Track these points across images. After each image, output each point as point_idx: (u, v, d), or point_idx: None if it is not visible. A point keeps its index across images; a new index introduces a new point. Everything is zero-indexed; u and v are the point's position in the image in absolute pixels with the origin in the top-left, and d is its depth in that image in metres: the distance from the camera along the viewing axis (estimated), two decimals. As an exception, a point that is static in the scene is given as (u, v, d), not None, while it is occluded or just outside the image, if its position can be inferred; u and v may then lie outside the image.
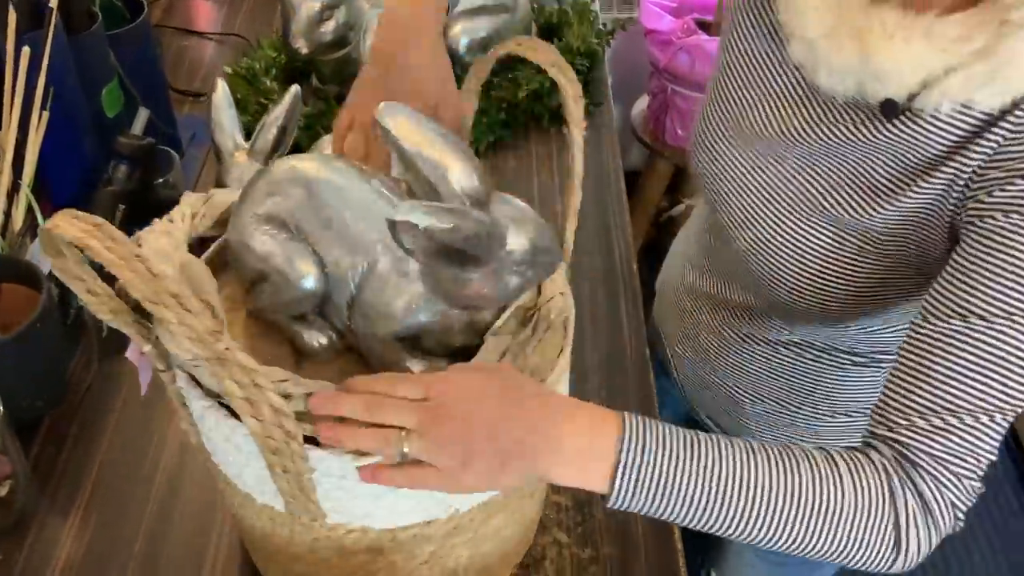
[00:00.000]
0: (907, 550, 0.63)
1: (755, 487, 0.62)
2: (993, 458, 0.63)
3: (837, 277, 0.79)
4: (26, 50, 0.88)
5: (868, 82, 0.68)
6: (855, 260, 0.77)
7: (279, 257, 0.67)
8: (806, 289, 0.81)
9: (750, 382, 0.98)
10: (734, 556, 1.23)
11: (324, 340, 0.70)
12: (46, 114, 0.95)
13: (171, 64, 1.48)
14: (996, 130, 0.64)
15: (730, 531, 0.63)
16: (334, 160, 0.71)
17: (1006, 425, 0.63)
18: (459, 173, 0.61)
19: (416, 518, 0.68)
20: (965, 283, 0.63)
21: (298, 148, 1.05)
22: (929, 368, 0.63)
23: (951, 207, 0.69)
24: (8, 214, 0.96)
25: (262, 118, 1.03)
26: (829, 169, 0.77)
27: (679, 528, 0.89)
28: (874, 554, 0.63)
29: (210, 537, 0.88)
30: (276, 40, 1.44)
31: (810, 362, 0.93)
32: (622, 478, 0.61)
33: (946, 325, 0.63)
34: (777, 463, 0.63)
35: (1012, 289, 0.61)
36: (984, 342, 0.61)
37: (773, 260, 0.82)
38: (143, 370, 0.71)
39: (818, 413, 0.96)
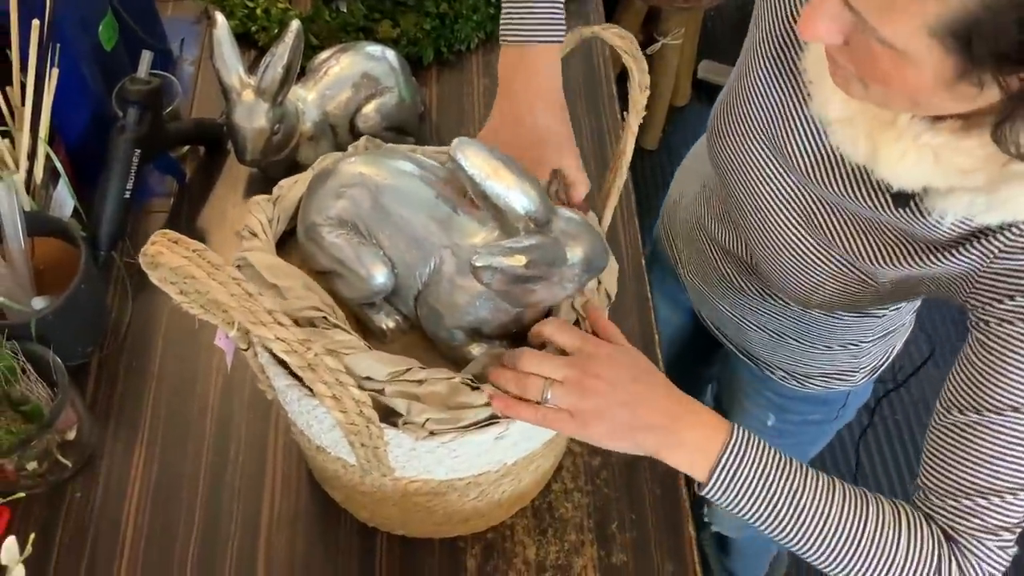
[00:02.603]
0: None
1: (826, 520, 0.73)
2: None
3: (839, 293, 0.87)
4: (36, 23, 0.89)
5: (876, 172, 0.73)
6: (862, 286, 0.84)
7: (351, 258, 0.76)
8: (803, 293, 0.90)
9: (750, 316, 1.07)
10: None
11: (392, 324, 0.79)
12: (56, 71, 0.96)
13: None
14: (994, 240, 0.71)
15: (792, 545, 0.75)
16: (397, 162, 0.77)
17: None
18: (523, 198, 0.69)
19: (472, 472, 0.78)
20: (979, 380, 0.71)
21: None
22: (957, 455, 0.73)
23: (956, 288, 0.75)
24: (30, 171, 0.99)
25: (265, 56, 1.04)
26: (844, 215, 0.82)
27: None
28: None
29: (267, 455, 0.98)
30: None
31: (807, 314, 1.01)
32: (719, 475, 0.73)
33: (966, 417, 0.72)
34: (851, 504, 0.73)
35: (1020, 387, 0.69)
36: (1000, 432, 0.71)
37: (775, 266, 0.90)
38: (228, 351, 0.79)
39: (809, 346, 1.06)
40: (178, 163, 1.17)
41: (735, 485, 0.73)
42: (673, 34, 2.40)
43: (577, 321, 0.78)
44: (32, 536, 0.83)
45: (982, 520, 0.72)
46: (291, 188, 0.82)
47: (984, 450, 0.71)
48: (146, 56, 1.03)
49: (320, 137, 1.13)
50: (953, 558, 0.73)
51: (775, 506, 0.73)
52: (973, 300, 0.73)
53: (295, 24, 1.03)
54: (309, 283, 0.76)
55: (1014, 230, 0.69)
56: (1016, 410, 0.70)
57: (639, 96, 0.79)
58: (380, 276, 0.75)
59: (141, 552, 0.91)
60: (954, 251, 0.73)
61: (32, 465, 0.91)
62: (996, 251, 0.71)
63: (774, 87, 0.83)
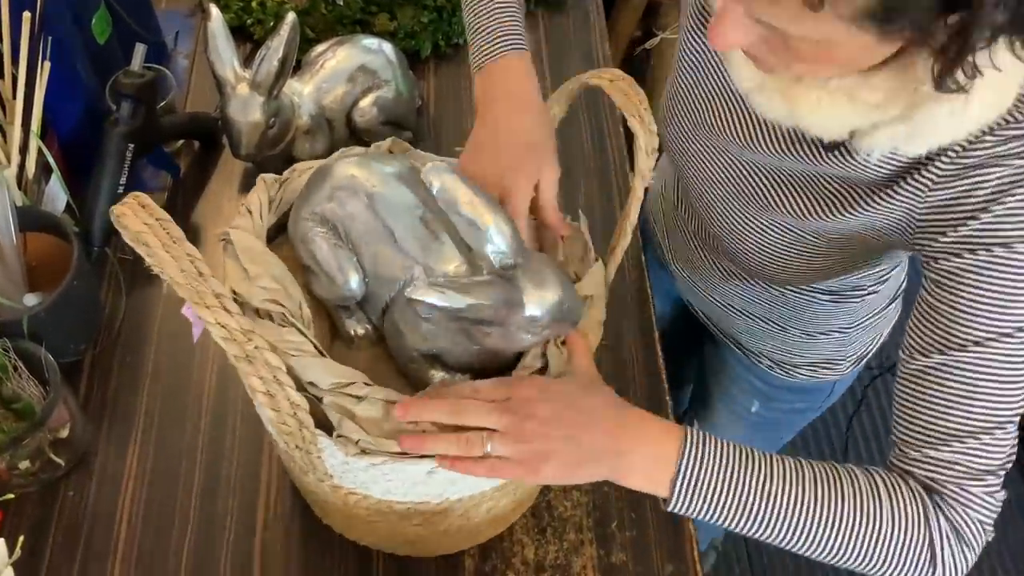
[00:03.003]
0: (943, 570, 0.70)
1: (802, 504, 0.69)
2: (1010, 463, 0.70)
3: (796, 262, 0.86)
4: (27, 15, 0.87)
5: (801, 127, 0.72)
6: (814, 250, 0.84)
7: (326, 259, 0.74)
8: (766, 267, 0.89)
9: (736, 302, 1.06)
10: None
11: (361, 331, 0.78)
12: (47, 64, 0.95)
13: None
14: (926, 172, 0.69)
15: (778, 540, 0.71)
16: (393, 169, 0.75)
17: (1014, 430, 0.69)
18: (496, 236, 0.67)
19: (409, 499, 0.76)
20: (937, 320, 0.69)
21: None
22: (925, 401, 0.70)
23: (900, 232, 0.74)
24: (22, 165, 0.98)
25: (260, 49, 1.02)
26: (782, 176, 0.81)
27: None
28: (911, 571, 0.70)
29: (262, 452, 0.96)
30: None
31: (788, 296, 1.00)
32: (681, 487, 0.69)
33: (929, 360, 0.70)
34: (823, 482, 0.70)
35: (978, 320, 0.67)
36: (967, 369, 0.68)
37: (735, 241, 0.89)
38: (196, 325, 0.78)
39: (795, 334, 1.05)
40: (172, 157, 1.16)
41: (700, 491, 0.69)
42: (672, 28, 2.38)
43: (544, 368, 0.74)
44: (21, 539, 0.82)
45: (963, 466, 0.69)
46: (303, 173, 0.81)
47: (953, 390, 0.68)
48: (140, 49, 1.02)
49: (316, 131, 1.11)
50: (939, 512, 0.70)
51: (747, 503, 0.69)
52: (918, 243, 0.72)
53: (291, 16, 1.01)
54: (280, 275, 0.74)
55: (943, 159, 0.68)
56: (979, 344, 0.67)
57: (645, 161, 0.75)
58: (351, 281, 0.74)
59: (135, 551, 0.90)
60: (890, 190, 0.72)
61: (24, 464, 0.90)
62: (929, 184, 0.69)
63: (702, 67, 0.84)
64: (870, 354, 1.13)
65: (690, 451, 0.69)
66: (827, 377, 1.12)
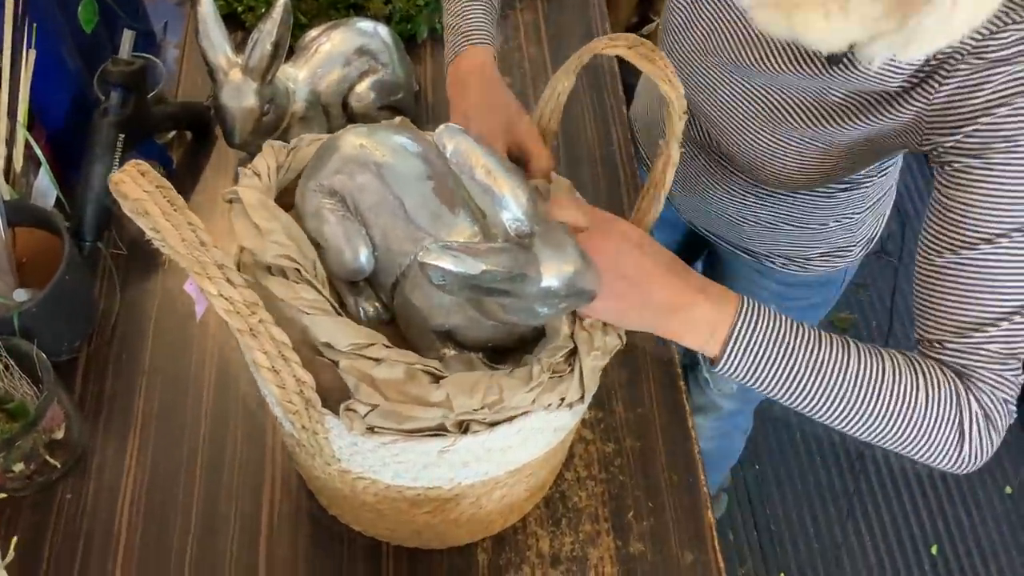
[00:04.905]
0: (970, 450, 0.74)
1: (843, 375, 0.72)
2: None
3: (809, 168, 0.88)
4: (9, 1, 0.84)
5: (800, 41, 0.70)
6: (825, 157, 0.87)
7: (335, 233, 0.71)
8: (780, 176, 0.91)
9: (746, 212, 1.07)
10: None
11: (371, 310, 0.74)
12: (33, 52, 0.91)
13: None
14: (932, 78, 0.73)
15: (818, 410, 0.73)
16: (402, 139, 0.72)
17: None
18: (508, 202, 0.62)
19: (420, 483, 0.73)
20: (947, 221, 0.73)
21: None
22: (945, 296, 0.74)
23: (909, 135, 0.77)
24: (9, 158, 0.95)
25: (252, 33, 0.99)
26: (788, 92, 0.84)
27: (691, 418, 0.98)
28: (939, 450, 0.74)
29: (265, 449, 0.93)
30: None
31: (798, 197, 1.03)
32: (733, 346, 0.71)
33: (943, 259, 0.74)
34: (866, 358, 0.72)
35: (986, 218, 0.71)
36: (979, 266, 0.72)
37: (744, 155, 0.92)
38: (199, 302, 0.74)
39: (807, 228, 1.07)
40: (165, 149, 1.12)
41: (751, 354, 0.71)
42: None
43: (574, 351, 0.70)
44: (14, 540, 0.78)
45: (988, 351, 0.73)
46: (312, 143, 0.78)
47: (969, 285, 0.72)
48: (128, 35, 0.98)
49: (312, 117, 1.08)
50: (970, 394, 0.73)
51: (794, 369, 0.71)
52: (927, 144, 0.75)
53: (283, -1, 0.98)
54: (294, 233, 0.70)
55: (946, 67, 0.71)
56: (988, 241, 0.71)
57: (678, 124, 0.72)
58: (360, 255, 0.71)
59: (136, 554, 0.87)
60: (899, 96, 0.76)
61: (19, 466, 0.87)
62: (935, 86, 0.72)
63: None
64: (877, 236, 1.16)
65: (746, 312, 0.71)
66: (839, 265, 1.14)
